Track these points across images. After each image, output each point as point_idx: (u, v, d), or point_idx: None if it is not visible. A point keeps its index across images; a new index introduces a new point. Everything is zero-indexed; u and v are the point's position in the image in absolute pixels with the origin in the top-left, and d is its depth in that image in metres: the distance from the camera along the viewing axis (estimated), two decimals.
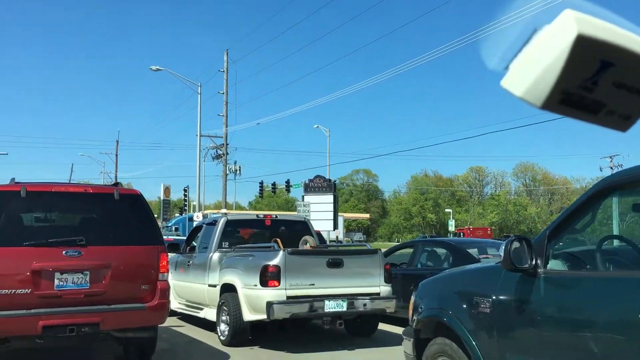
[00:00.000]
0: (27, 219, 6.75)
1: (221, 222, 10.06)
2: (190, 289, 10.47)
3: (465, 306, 4.12)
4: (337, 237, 42.89)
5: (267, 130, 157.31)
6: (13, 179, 6.90)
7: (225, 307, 8.67)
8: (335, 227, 41.94)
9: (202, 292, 9.89)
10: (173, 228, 49.01)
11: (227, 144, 42.59)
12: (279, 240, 9.54)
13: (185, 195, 43.76)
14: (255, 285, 8.04)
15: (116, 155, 68.69)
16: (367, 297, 8.36)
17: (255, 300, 8.06)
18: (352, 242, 73.95)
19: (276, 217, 10.69)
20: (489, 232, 75.60)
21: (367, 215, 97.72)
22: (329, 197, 43.17)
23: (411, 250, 10.96)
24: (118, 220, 6.80)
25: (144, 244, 6.78)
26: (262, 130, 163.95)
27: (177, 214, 71.22)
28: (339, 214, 47.81)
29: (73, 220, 7.12)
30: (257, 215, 10.62)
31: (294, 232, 10.71)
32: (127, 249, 6.68)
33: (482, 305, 3.96)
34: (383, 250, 9.88)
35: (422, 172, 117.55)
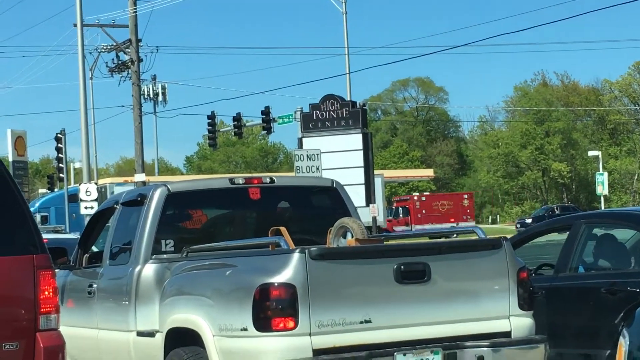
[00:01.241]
0: None
1: (156, 199, 10.07)
2: (95, 341, 10.58)
3: None
4: (374, 217, 43.03)
5: (217, 13, 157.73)
6: None
7: None
8: (371, 199, 42.08)
9: (123, 349, 9.98)
10: (38, 217, 49.50)
11: (137, 40, 42.22)
12: (284, 230, 9.46)
13: (58, 151, 43.61)
14: (245, 330, 8.20)
15: None
16: (486, 342, 8.55)
17: None
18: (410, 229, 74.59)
19: (272, 181, 10.71)
20: (465, 202, 76.66)
21: (430, 173, 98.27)
22: (355, 139, 43.16)
23: (563, 236, 11.11)
24: None
25: (3, 253, 6.83)
26: (206, 12, 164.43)
27: (43, 190, 71.84)
28: (375, 172, 47.87)
29: None
30: (230, 181, 10.61)
31: (311, 212, 10.91)
32: None
33: None
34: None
35: (535, 77, 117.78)
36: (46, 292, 6.84)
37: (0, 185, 6.93)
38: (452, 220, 73.44)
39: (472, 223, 75.70)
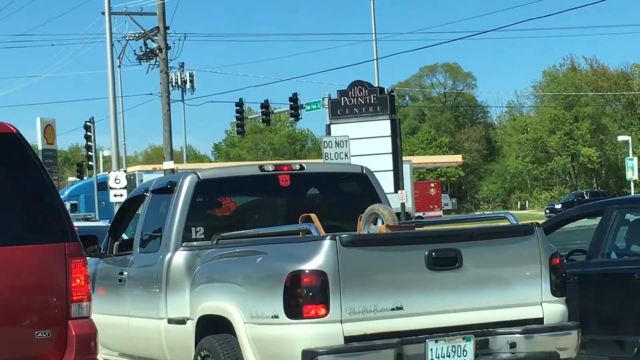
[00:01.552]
0: None
1: (186, 186, 10.10)
2: (126, 329, 10.65)
3: None
4: (402, 204, 42.92)
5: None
6: None
7: None
8: (399, 185, 41.96)
9: (154, 336, 10.04)
10: (67, 205, 49.64)
11: (165, 28, 42.26)
12: (314, 217, 9.43)
13: (87, 139, 43.74)
14: (276, 317, 8.20)
15: None
16: (518, 329, 8.54)
17: (277, 347, 8.28)
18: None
19: (301, 168, 10.73)
20: (432, 191, 74.42)
21: (458, 159, 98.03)
22: (383, 125, 42.96)
23: (593, 221, 11.08)
24: None
25: (34, 241, 6.82)
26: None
27: (72, 178, 72.18)
28: (404, 158, 47.78)
29: None
30: (260, 168, 10.64)
31: (340, 199, 10.94)
32: None
33: None
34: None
35: (564, 62, 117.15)
36: (78, 280, 6.84)
37: (32, 174, 6.92)
38: (417, 210, 71.79)
39: (440, 213, 74.27)
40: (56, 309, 6.77)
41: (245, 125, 54.84)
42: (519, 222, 9.16)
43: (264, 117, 51.60)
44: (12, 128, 7.05)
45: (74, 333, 6.77)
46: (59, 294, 6.78)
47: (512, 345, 8.40)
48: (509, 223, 9.16)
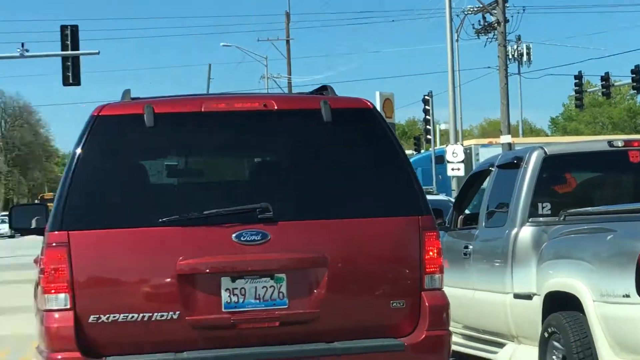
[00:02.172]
0: (156, 171, 7.11)
1: (533, 162, 10.06)
2: (471, 302, 10.80)
3: None
4: None
5: None
6: (127, 92, 7.19)
7: (557, 344, 8.84)
8: None
9: (498, 310, 10.11)
10: None
11: (504, 1, 42.08)
12: None
13: (426, 113, 44.31)
14: (627, 296, 8.01)
15: (287, 41, 71.85)
16: None
17: (628, 327, 8.10)
18: None
19: None
20: None
21: None
22: None
23: None
24: (333, 165, 7.00)
25: (391, 214, 6.94)
26: None
27: (409, 151, 73.12)
28: None
29: (242, 169, 7.47)
30: (609, 143, 10.41)
31: None
32: (356, 226, 6.86)
33: None
34: None
35: None
36: (431, 253, 6.92)
37: (389, 148, 7.06)
38: None
39: None
40: (410, 280, 6.88)
41: (584, 99, 53.62)
42: None
43: (604, 90, 50.39)
44: (368, 104, 7.20)
45: (427, 304, 6.85)
46: (413, 266, 6.89)
47: None
48: None
